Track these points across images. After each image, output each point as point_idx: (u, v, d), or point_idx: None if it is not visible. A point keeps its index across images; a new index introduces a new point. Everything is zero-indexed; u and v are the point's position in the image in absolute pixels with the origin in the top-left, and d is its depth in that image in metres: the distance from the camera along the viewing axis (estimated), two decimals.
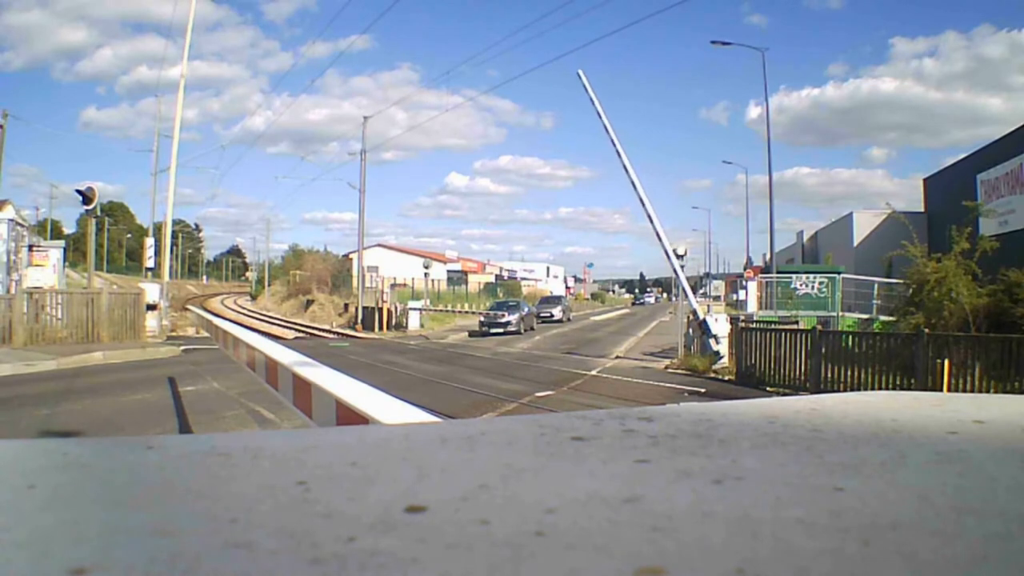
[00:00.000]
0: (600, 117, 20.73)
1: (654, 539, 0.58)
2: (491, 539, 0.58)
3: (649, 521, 0.62)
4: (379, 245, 72.85)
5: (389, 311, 37.97)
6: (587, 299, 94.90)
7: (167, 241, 32.51)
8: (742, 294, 27.07)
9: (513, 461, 0.85)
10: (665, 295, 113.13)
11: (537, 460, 0.87)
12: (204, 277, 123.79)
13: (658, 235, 20.85)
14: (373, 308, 38.84)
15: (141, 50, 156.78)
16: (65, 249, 27.40)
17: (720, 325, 18.27)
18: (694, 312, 19.31)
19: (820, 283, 25.51)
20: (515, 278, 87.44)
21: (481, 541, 0.58)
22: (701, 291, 65.81)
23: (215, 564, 0.53)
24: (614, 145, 20.49)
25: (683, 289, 20.53)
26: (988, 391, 11.86)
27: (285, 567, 0.52)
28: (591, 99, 20.87)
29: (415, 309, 37.80)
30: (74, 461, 0.91)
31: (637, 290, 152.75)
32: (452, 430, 1.20)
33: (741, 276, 33.68)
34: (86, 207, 26.27)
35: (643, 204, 19.97)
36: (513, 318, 34.08)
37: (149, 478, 0.83)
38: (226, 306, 65.64)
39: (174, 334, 27.28)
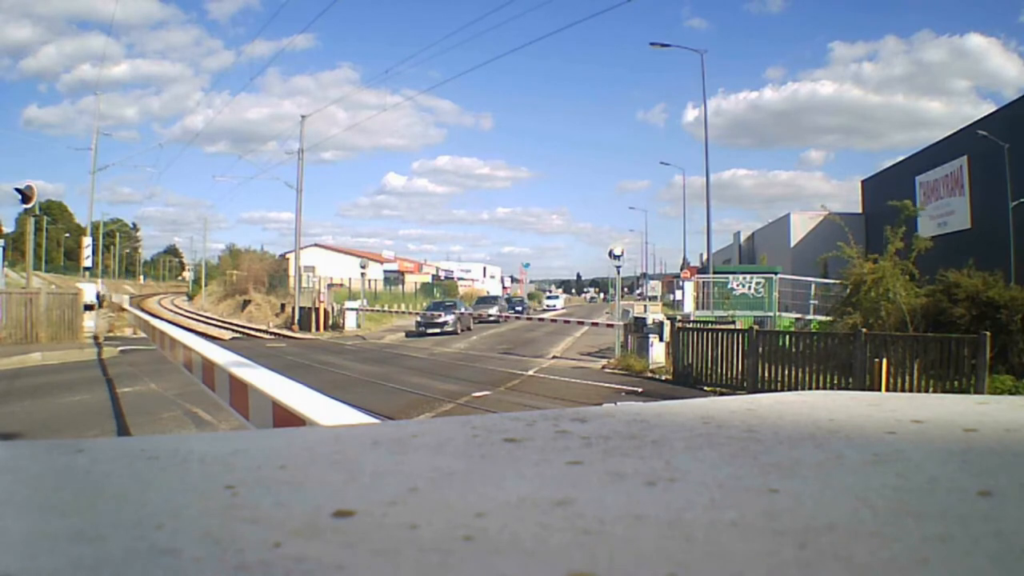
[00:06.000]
0: None
1: (585, 543, 0.58)
2: (419, 544, 0.58)
3: (580, 524, 0.62)
4: (316, 245, 72.43)
5: (326, 311, 37.86)
6: (522, 297, 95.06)
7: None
8: (679, 294, 27.08)
9: (444, 464, 0.84)
10: (602, 295, 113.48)
11: (468, 463, 0.85)
12: (141, 277, 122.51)
13: None
14: (310, 308, 38.64)
15: (85, 48, 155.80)
16: (3, 248, 26.92)
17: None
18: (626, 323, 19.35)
19: (757, 283, 25.61)
20: (452, 278, 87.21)
21: (409, 546, 0.57)
22: (638, 291, 66.20)
23: (139, 571, 0.53)
24: None
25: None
26: (926, 391, 11.92)
27: (209, 574, 0.52)
28: None
29: (352, 309, 37.75)
30: (2, 465, 0.92)
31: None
32: (384, 432, 1.20)
33: (678, 276, 33.71)
34: (25, 206, 25.98)
35: None
36: (450, 318, 34.07)
37: (77, 482, 0.81)
38: (163, 306, 64.81)
39: (111, 334, 27.40)
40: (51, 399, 12.12)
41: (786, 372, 14.38)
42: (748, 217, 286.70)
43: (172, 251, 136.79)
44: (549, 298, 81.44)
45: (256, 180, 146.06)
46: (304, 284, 43.95)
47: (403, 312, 44.72)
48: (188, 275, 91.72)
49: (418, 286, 72.81)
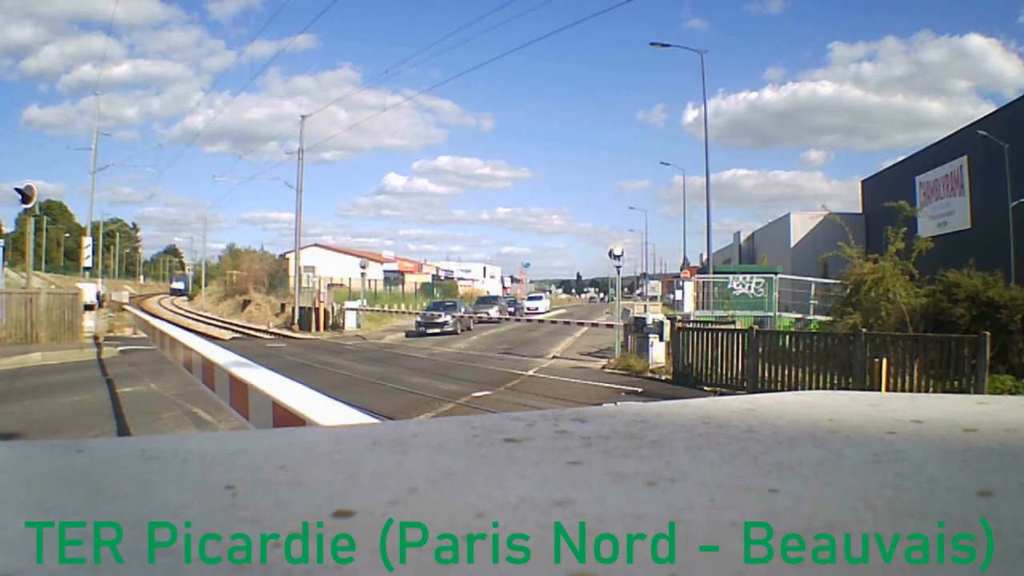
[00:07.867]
0: None
1: (585, 543, 0.58)
2: (419, 544, 0.58)
3: (580, 524, 0.62)
4: (316, 245, 72.39)
5: (326, 311, 37.82)
6: (524, 299, 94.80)
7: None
8: (679, 294, 27.10)
9: (444, 464, 0.84)
10: (602, 295, 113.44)
11: (469, 463, 0.85)
12: (141, 277, 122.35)
13: None
14: (310, 308, 38.61)
15: (85, 48, 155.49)
16: (3, 248, 26.99)
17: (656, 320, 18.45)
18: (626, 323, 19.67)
19: (757, 283, 25.62)
20: (452, 278, 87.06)
21: (409, 546, 0.57)
22: (638, 291, 65.89)
23: (139, 571, 0.53)
24: None
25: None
26: (926, 391, 11.91)
27: (209, 574, 0.53)
28: None
29: (352, 309, 37.75)
30: (2, 465, 0.92)
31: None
32: (384, 432, 1.19)
33: (678, 276, 33.70)
34: (25, 206, 25.87)
35: None
36: (450, 318, 34.13)
37: (77, 482, 0.81)
38: (163, 306, 64.69)
39: (111, 334, 27.44)
40: (51, 399, 12.11)
41: (786, 372, 14.37)
42: (748, 217, 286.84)
43: (172, 251, 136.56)
44: (531, 299, 70.65)
45: (256, 180, 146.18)
46: (304, 284, 43.87)
47: (403, 312, 44.72)
48: (188, 274, 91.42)
49: (418, 286, 72.71)
